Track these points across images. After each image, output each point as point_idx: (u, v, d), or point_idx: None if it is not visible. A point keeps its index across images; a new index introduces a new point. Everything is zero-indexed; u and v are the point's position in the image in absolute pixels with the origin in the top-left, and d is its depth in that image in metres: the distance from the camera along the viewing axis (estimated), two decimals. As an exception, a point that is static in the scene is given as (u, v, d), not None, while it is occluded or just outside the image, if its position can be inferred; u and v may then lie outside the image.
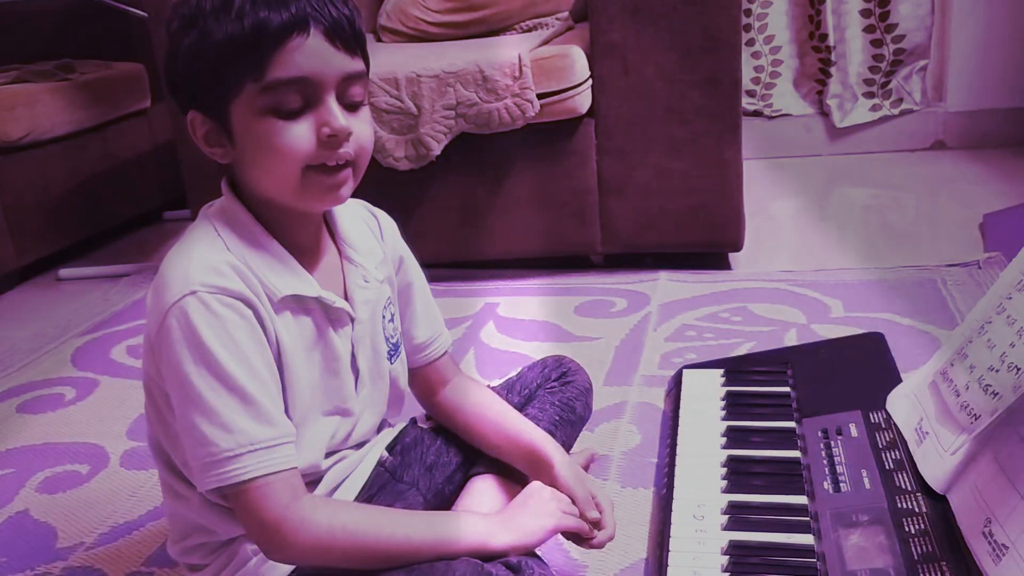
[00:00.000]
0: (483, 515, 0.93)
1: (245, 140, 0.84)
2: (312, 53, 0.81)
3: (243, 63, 0.81)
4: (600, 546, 0.96)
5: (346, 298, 0.93)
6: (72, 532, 1.22)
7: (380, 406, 1.01)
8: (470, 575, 0.82)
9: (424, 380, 1.08)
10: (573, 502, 0.96)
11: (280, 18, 0.80)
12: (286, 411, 0.87)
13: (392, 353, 1.00)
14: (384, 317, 0.98)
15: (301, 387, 0.88)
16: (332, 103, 0.83)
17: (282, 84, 0.81)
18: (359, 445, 1.00)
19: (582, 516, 0.95)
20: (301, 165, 0.83)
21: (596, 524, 0.96)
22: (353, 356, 0.94)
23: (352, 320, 0.93)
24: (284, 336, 0.87)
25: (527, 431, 1.02)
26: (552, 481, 0.98)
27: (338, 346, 0.92)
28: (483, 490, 1.03)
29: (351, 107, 0.86)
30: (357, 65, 0.85)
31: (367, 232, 1.00)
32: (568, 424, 1.12)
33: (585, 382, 1.16)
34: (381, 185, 1.97)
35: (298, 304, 0.89)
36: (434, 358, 1.07)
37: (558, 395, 1.13)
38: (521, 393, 1.14)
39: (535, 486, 0.95)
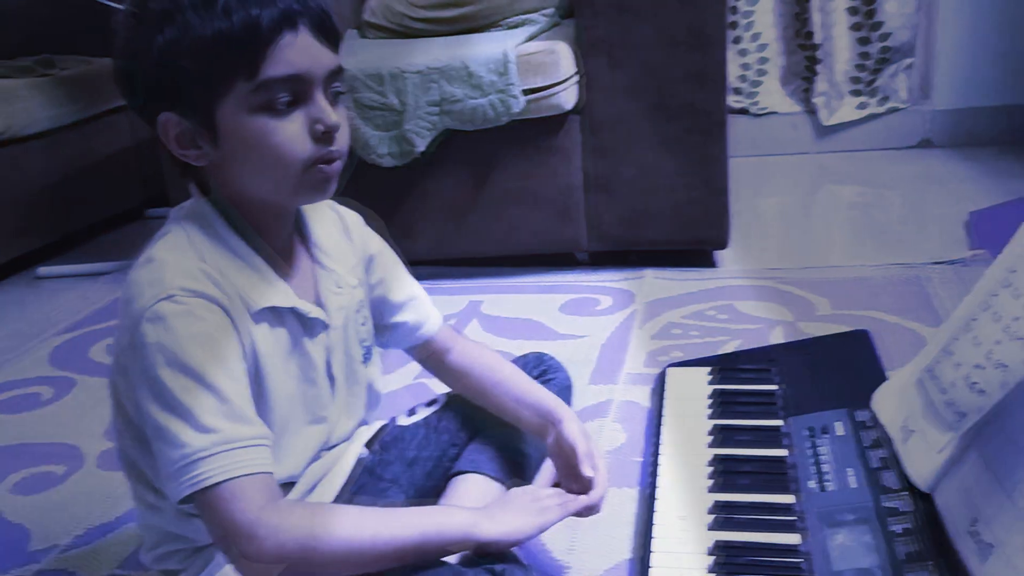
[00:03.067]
0: (467, 508, 0.91)
1: (234, 141, 0.81)
2: (302, 49, 0.80)
3: (234, 62, 0.78)
4: (587, 510, 0.95)
5: (318, 304, 0.92)
6: (46, 534, 1.20)
7: (357, 410, 1.00)
8: None
9: (427, 353, 1.09)
10: (573, 456, 0.97)
11: (271, 15, 0.78)
12: (268, 415, 0.86)
13: (366, 356, 0.98)
14: (357, 321, 0.97)
15: (279, 397, 0.87)
16: (322, 99, 0.82)
17: (276, 82, 0.79)
18: (334, 446, 0.98)
19: (579, 472, 0.96)
20: (301, 162, 0.82)
21: (587, 485, 0.96)
22: (328, 363, 0.92)
23: (327, 327, 0.92)
24: (262, 347, 0.85)
25: (534, 391, 1.04)
26: (559, 436, 0.99)
27: (313, 354, 0.91)
28: (466, 489, 1.01)
29: (334, 103, 0.85)
30: (338, 59, 0.85)
31: (337, 234, 0.98)
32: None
33: (565, 380, 1.16)
34: (365, 182, 1.95)
35: (274, 315, 0.87)
36: (430, 334, 1.07)
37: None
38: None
39: (519, 489, 0.94)
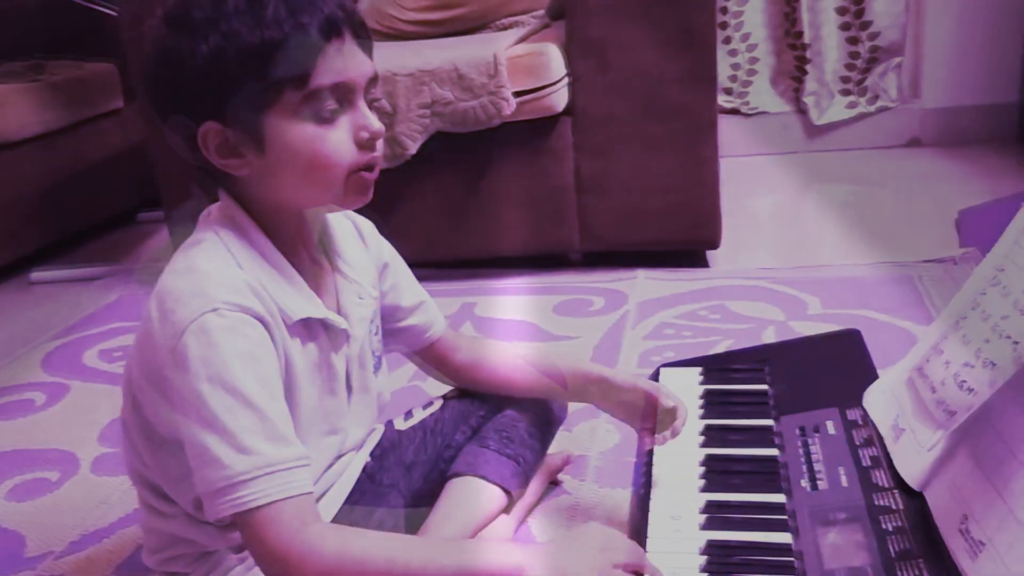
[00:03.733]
0: (518, 544, 0.90)
1: (282, 149, 0.81)
2: (347, 57, 0.81)
3: (284, 71, 0.78)
4: (676, 433, 1.03)
5: (340, 314, 0.92)
6: (41, 540, 1.20)
7: (368, 419, 1.00)
8: None
9: (435, 355, 1.10)
10: (648, 398, 1.02)
11: (319, 23, 0.78)
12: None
13: (377, 366, 0.99)
14: (371, 332, 0.97)
15: (305, 409, 0.87)
16: (364, 106, 0.83)
17: (324, 91, 0.80)
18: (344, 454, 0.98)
19: (655, 411, 1.02)
20: (347, 168, 0.82)
21: (672, 414, 1.03)
22: (348, 374, 0.93)
23: (348, 338, 0.92)
24: (296, 359, 0.85)
25: (559, 362, 1.07)
26: (610, 388, 1.04)
27: (337, 366, 0.91)
28: (461, 492, 1.02)
29: (372, 110, 0.86)
30: (375, 67, 0.85)
31: (356, 244, 0.99)
32: (546, 424, 1.11)
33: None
34: (357, 185, 1.96)
35: (306, 328, 0.87)
36: (437, 336, 1.08)
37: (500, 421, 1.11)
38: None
39: (590, 527, 0.88)
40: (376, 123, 0.83)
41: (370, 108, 0.85)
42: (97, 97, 2.61)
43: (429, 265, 2.04)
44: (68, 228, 2.53)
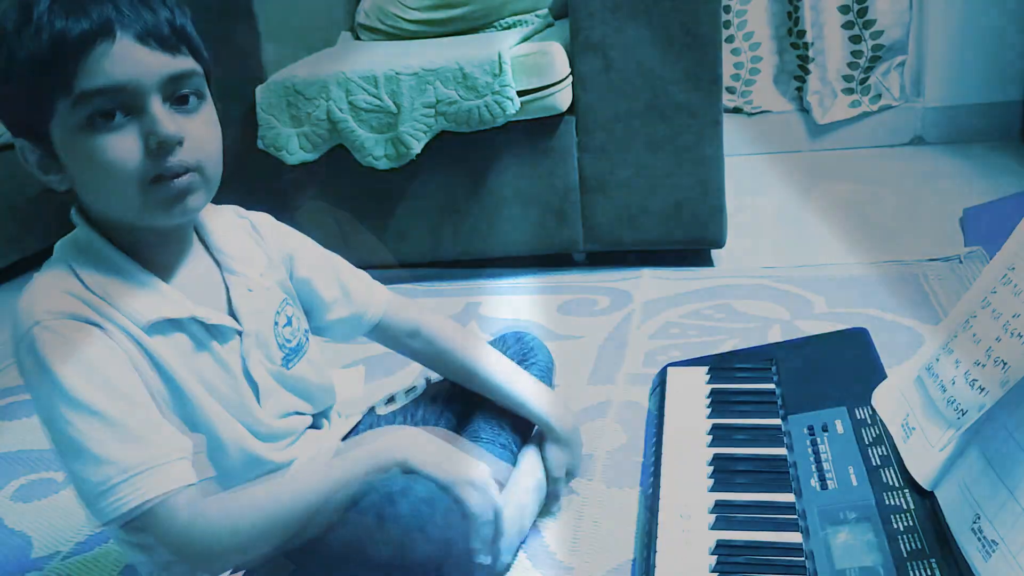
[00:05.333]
0: (390, 433, 0.93)
1: (72, 162, 0.80)
2: (121, 59, 0.77)
3: (49, 79, 0.76)
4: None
5: (232, 311, 0.91)
6: (48, 541, 1.20)
7: (302, 407, 0.98)
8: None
9: (385, 337, 1.08)
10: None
11: (80, 27, 0.76)
12: (198, 426, 0.85)
13: (289, 358, 0.96)
14: (277, 323, 0.95)
15: (203, 400, 0.86)
16: (156, 109, 0.79)
17: (93, 95, 0.77)
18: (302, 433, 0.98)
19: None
20: (136, 179, 0.79)
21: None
22: (246, 369, 0.91)
23: (239, 333, 0.90)
24: (165, 357, 0.84)
25: (516, 392, 1.08)
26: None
27: (228, 360, 0.89)
28: None
29: (185, 109, 0.82)
30: (183, 64, 0.81)
31: (245, 238, 0.97)
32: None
33: (547, 360, 1.16)
34: (360, 184, 1.95)
35: (170, 324, 0.85)
36: (376, 319, 1.06)
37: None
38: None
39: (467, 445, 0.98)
40: (167, 127, 0.78)
41: (190, 110, 0.82)
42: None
43: (433, 265, 2.05)
44: (70, 230, 2.52)
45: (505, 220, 1.97)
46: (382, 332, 1.08)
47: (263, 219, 1.01)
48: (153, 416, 0.80)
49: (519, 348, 1.15)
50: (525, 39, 1.96)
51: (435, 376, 1.14)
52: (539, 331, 1.71)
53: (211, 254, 0.93)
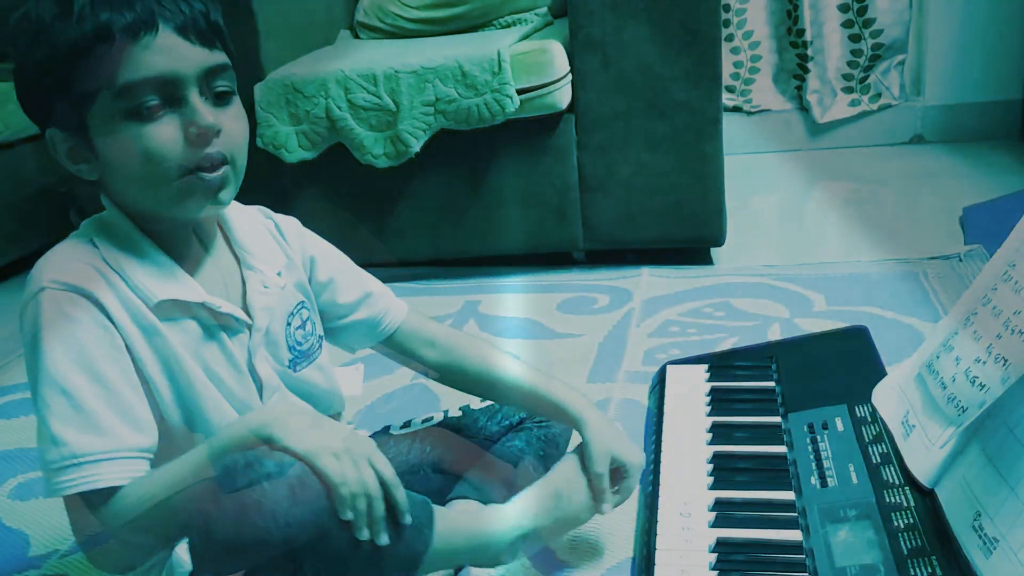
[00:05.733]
0: (264, 411, 0.90)
1: (109, 151, 0.81)
2: (164, 51, 0.78)
3: (91, 70, 0.77)
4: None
5: (245, 306, 0.91)
6: (46, 539, 1.19)
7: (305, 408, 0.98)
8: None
9: (402, 349, 1.07)
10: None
11: (124, 18, 0.77)
12: (193, 415, 0.85)
13: (298, 360, 0.96)
14: (290, 324, 0.95)
15: (205, 390, 0.86)
16: (196, 100, 0.80)
17: (136, 86, 0.78)
18: None
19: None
20: (174, 169, 0.80)
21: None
22: (251, 365, 0.91)
23: (248, 327, 0.90)
24: (172, 341, 0.84)
25: (551, 390, 1.03)
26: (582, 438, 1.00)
27: (234, 353, 0.89)
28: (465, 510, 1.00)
29: (220, 102, 0.83)
30: (218, 57, 0.83)
31: (267, 237, 0.98)
32: (552, 459, 1.09)
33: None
34: (359, 183, 1.95)
35: (180, 309, 0.86)
36: (393, 328, 1.05)
37: (545, 430, 1.11)
38: (502, 423, 1.11)
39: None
40: (207, 117, 0.80)
41: (224, 103, 0.83)
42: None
43: (432, 263, 2.05)
44: (68, 228, 2.52)
45: (504, 218, 1.97)
46: (398, 342, 1.06)
47: (289, 222, 1.02)
48: (127, 406, 0.81)
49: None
50: (524, 37, 1.96)
51: (453, 411, 1.14)
52: (538, 329, 1.71)
53: (232, 250, 0.93)
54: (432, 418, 1.12)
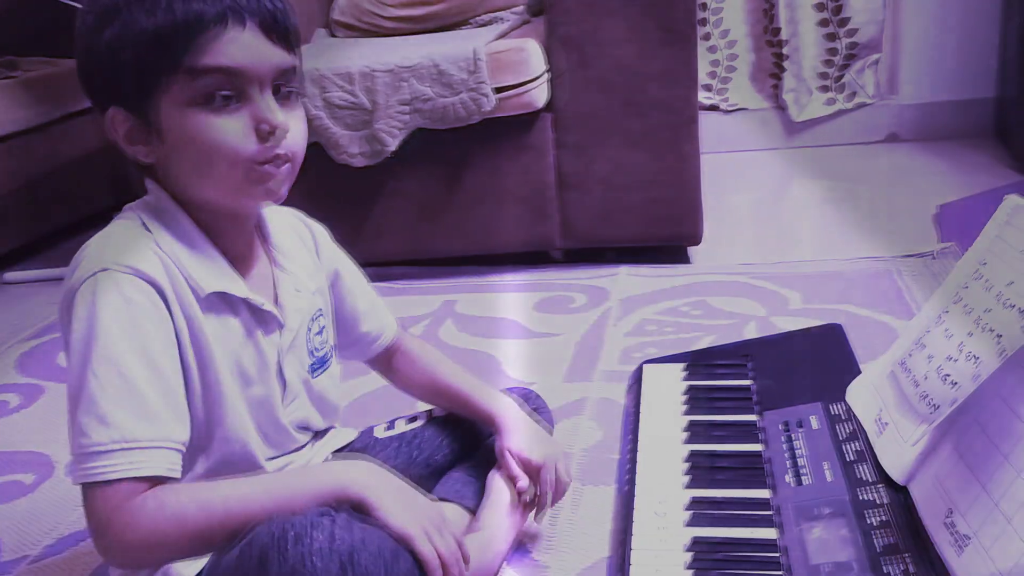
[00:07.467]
0: (339, 464, 0.91)
1: (176, 136, 0.81)
2: (246, 45, 0.80)
3: (171, 53, 0.78)
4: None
5: (277, 305, 0.91)
6: (16, 544, 1.18)
7: (314, 421, 0.98)
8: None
9: (390, 366, 1.11)
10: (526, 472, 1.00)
11: (214, 8, 0.78)
12: (212, 413, 0.84)
13: (316, 367, 0.96)
14: (311, 330, 0.96)
15: (229, 390, 0.85)
16: (269, 98, 0.81)
17: (213, 71, 0.79)
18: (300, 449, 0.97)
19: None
20: (243, 161, 0.81)
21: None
22: (280, 365, 0.91)
23: (281, 326, 0.91)
24: (210, 334, 0.84)
25: (482, 401, 1.06)
26: (502, 449, 1.01)
27: (267, 351, 0.89)
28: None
29: (287, 103, 0.84)
30: (292, 60, 0.84)
31: (299, 242, 0.98)
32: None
33: (550, 420, 1.15)
34: (335, 182, 1.94)
35: (225, 304, 0.86)
36: (386, 344, 1.09)
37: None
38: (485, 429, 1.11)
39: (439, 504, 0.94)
40: (278, 116, 0.81)
41: (289, 105, 0.84)
42: (71, 95, 2.56)
43: (409, 263, 2.04)
44: (42, 228, 2.49)
45: (482, 217, 1.97)
46: (386, 358, 1.10)
47: (320, 230, 1.03)
48: (172, 398, 0.80)
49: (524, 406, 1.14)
50: (501, 36, 1.95)
51: (438, 410, 1.13)
52: (516, 329, 1.70)
53: (265, 249, 0.94)
54: (417, 418, 1.12)
